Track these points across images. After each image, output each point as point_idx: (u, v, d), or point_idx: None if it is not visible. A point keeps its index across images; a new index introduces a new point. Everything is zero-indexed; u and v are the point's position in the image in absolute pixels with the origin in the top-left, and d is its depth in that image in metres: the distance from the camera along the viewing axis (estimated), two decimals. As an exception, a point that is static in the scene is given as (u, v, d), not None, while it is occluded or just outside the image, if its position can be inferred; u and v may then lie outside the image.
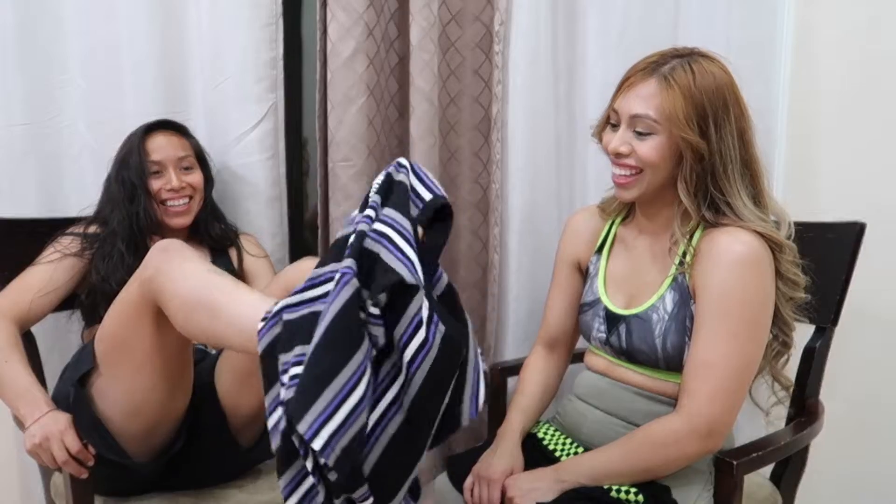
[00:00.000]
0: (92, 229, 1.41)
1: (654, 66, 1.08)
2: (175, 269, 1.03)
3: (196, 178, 1.50)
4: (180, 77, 1.66)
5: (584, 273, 1.30)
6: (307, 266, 1.13)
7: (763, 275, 1.05)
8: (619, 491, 1.06)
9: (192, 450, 1.22)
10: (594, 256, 1.26)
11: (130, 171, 1.42)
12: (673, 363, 1.10)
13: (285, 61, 1.67)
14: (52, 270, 1.34)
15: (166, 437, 1.20)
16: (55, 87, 1.60)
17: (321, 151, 1.68)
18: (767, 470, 1.31)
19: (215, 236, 1.55)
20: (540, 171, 1.67)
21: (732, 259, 1.03)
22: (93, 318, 1.39)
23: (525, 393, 1.31)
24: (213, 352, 1.45)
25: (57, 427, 1.11)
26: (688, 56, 1.09)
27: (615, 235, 1.25)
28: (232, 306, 0.95)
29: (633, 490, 1.06)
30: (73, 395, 1.15)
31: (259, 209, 1.68)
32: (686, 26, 1.66)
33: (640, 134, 1.08)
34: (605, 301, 1.20)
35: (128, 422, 1.15)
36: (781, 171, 1.65)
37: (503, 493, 1.12)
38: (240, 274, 1.55)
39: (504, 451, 1.19)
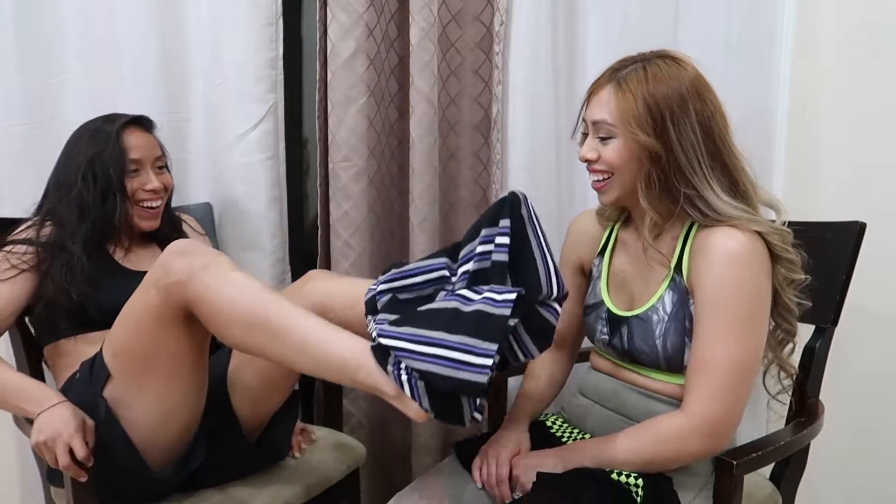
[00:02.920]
0: (44, 232, 1.30)
1: (612, 73, 1.12)
2: (221, 278, 1.01)
3: (168, 179, 1.44)
4: (180, 77, 1.66)
5: (587, 275, 1.30)
6: (333, 287, 1.14)
7: (757, 269, 1.05)
8: (619, 474, 1.07)
9: (209, 450, 1.22)
10: (597, 259, 1.27)
11: (108, 168, 1.32)
12: (674, 364, 1.10)
13: (285, 61, 1.67)
14: (8, 290, 1.25)
15: (188, 443, 1.18)
16: (55, 87, 1.60)
17: (321, 151, 1.68)
18: (767, 470, 1.31)
19: (169, 235, 1.46)
20: (540, 171, 1.67)
21: (725, 256, 1.04)
22: (54, 332, 1.30)
23: (533, 381, 1.33)
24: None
25: (67, 430, 1.07)
26: (646, 59, 1.11)
27: (616, 237, 1.25)
28: (303, 334, 0.98)
29: (633, 474, 1.07)
30: (103, 409, 1.12)
31: (259, 209, 1.68)
32: (686, 26, 1.66)
33: (603, 139, 1.11)
34: (608, 303, 1.20)
35: (158, 431, 1.13)
36: (781, 171, 1.65)
37: (510, 473, 1.13)
38: None
39: (512, 433, 1.21)
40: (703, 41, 1.64)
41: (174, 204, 1.53)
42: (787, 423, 1.28)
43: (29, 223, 1.33)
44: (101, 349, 1.15)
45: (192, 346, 1.09)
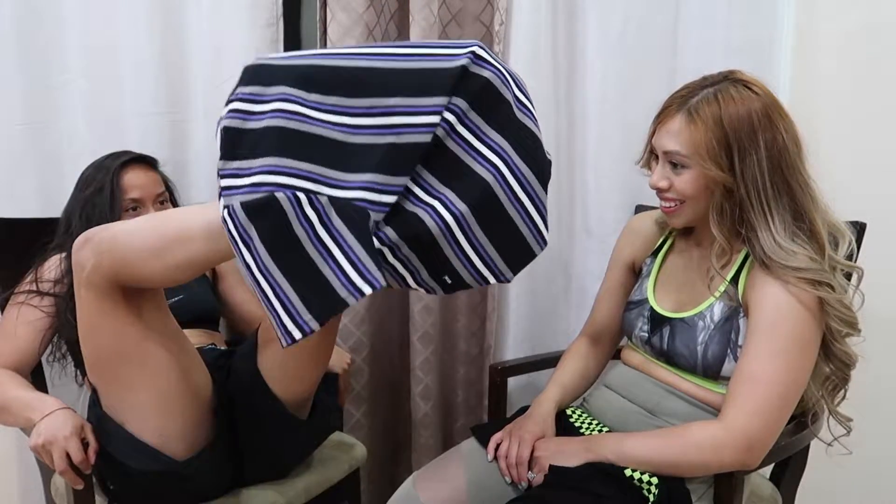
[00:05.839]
0: (54, 270, 1.33)
1: (682, 101, 1.09)
2: (115, 238, 1.01)
3: None
4: (181, 77, 1.66)
5: (637, 273, 1.31)
6: None
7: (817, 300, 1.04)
8: (633, 470, 1.07)
9: (260, 441, 1.22)
10: (649, 258, 1.28)
11: (97, 210, 1.34)
12: (710, 371, 1.10)
13: (285, 61, 1.67)
14: (32, 333, 1.30)
15: (208, 423, 1.17)
16: (55, 87, 1.60)
17: (321, 151, 1.68)
18: (767, 470, 1.31)
19: None
20: (540, 171, 1.66)
21: (785, 287, 1.04)
22: (82, 363, 1.33)
23: (564, 372, 1.33)
24: (223, 348, 1.45)
25: (63, 432, 1.07)
26: (718, 84, 1.08)
27: (673, 241, 1.26)
28: (203, 220, 0.97)
29: (647, 472, 1.07)
30: (100, 421, 1.12)
31: (259, 209, 1.68)
32: (686, 27, 1.66)
33: (675, 167, 1.10)
34: (652, 302, 1.21)
35: (166, 419, 1.11)
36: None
37: (531, 455, 1.14)
38: (214, 274, 1.60)
39: (538, 417, 1.21)
40: (703, 42, 1.64)
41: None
42: (787, 423, 1.28)
43: (45, 259, 1.36)
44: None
45: (148, 323, 1.07)
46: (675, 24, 1.67)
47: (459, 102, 0.84)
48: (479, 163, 0.86)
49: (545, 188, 0.90)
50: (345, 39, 1.55)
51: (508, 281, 0.91)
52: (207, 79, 1.65)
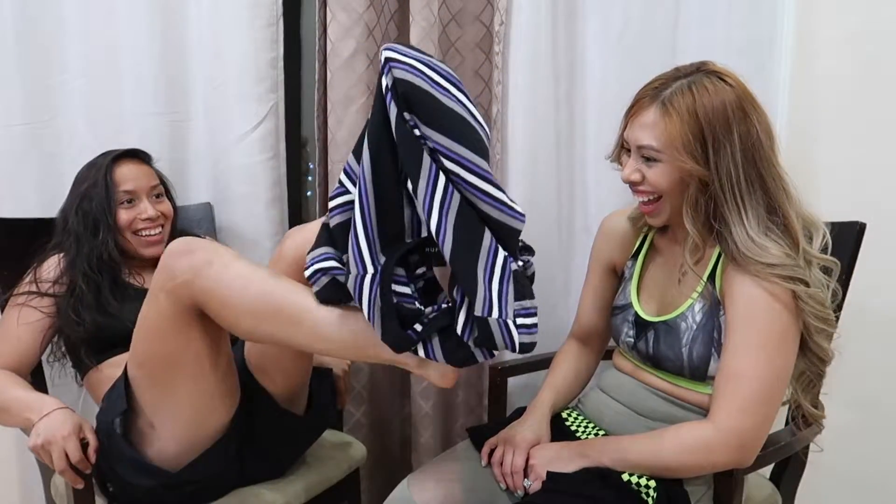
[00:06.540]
0: (53, 270, 1.34)
1: (655, 93, 1.08)
2: (225, 271, 1.00)
3: (167, 206, 1.45)
4: (181, 77, 1.66)
5: (619, 276, 1.30)
6: (307, 234, 1.10)
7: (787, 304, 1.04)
8: (630, 474, 1.07)
9: (254, 436, 1.22)
10: (630, 262, 1.27)
11: (93, 204, 1.35)
12: (698, 373, 1.10)
13: (284, 61, 1.67)
14: (31, 333, 1.30)
15: (224, 429, 1.18)
16: (55, 87, 1.60)
17: (321, 151, 1.68)
18: (767, 470, 1.31)
19: None
20: (540, 171, 1.67)
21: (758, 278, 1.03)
22: (80, 365, 1.35)
23: (557, 374, 1.33)
24: None
25: (61, 432, 1.08)
26: (691, 76, 1.07)
27: (651, 243, 1.25)
28: (314, 318, 0.98)
29: (645, 475, 1.07)
30: (109, 435, 1.13)
31: (260, 210, 1.68)
32: (686, 26, 1.66)
33: (647, 160, 1.09)
34: (636, 307, 1.20)
35: (196, 432, 1.13)
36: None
37: (526, 462, 1.13)
38: None
39: (533, 423, 1.21)
40: (703, 41, 1.64)
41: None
42: (787, 423, 1.28)
43: (44, 259, 1.36)
44: (124, 370, 1.15)
45: (213, 342, 1.08)
46: (675, 23, 1.67)
47: (409, 118, 0.88)
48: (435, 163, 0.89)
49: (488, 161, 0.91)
50: (345, 39, 1.55)
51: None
52: (207, 79, 1.66)
